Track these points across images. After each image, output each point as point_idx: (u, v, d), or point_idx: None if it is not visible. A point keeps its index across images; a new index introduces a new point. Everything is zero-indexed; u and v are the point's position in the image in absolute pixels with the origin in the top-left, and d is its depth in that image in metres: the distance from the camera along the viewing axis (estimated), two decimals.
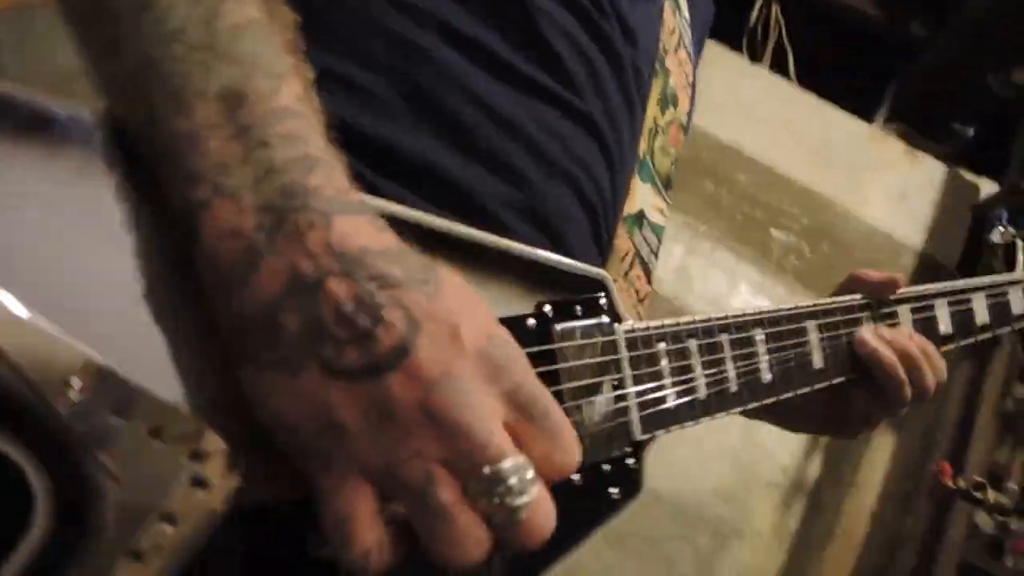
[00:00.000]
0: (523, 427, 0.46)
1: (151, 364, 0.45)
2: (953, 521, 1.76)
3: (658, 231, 0.84)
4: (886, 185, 2.49)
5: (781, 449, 2.13)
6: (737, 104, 2.43)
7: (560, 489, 0.48)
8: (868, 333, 0.78)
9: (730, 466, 2.10)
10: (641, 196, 0.80)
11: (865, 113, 2.73)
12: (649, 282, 0.83)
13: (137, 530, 0.42)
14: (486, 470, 0.43)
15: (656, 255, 0.84)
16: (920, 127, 2.89)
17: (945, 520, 1.77)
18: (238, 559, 0.48)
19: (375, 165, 0.61)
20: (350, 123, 0.60)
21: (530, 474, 0.45)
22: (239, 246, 0.43)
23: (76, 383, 0.41)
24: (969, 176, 2.64)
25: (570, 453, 0.47)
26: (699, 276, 2.25)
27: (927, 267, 2.41)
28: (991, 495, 1.67)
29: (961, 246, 2.46)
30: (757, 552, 2.04)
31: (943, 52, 2.87)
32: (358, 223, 0.45)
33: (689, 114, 0.92)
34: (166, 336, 0.46)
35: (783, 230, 2.33)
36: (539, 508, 0.45)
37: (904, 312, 0.82)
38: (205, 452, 0.44)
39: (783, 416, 0.87)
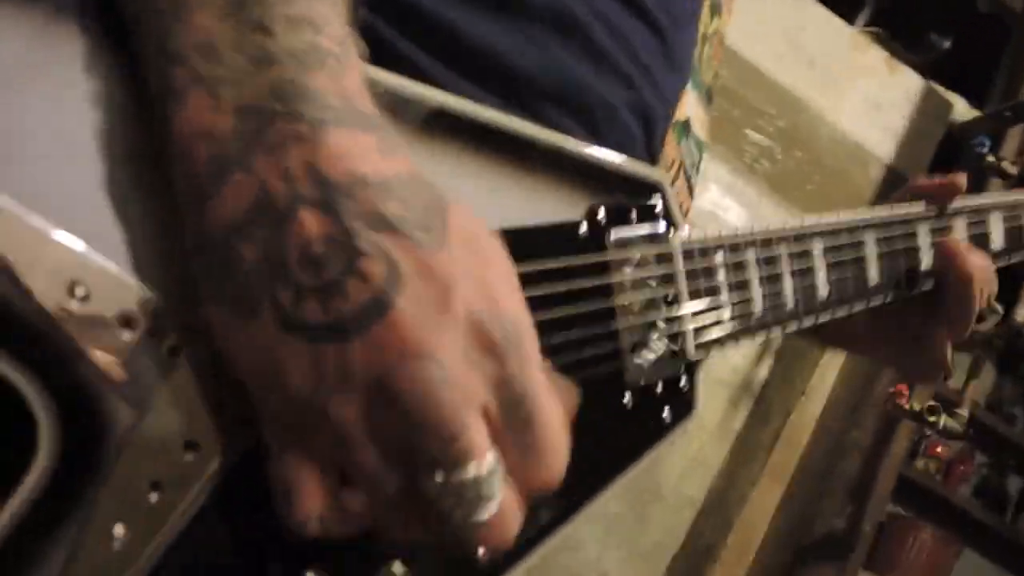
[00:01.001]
0: (503, 427, 0.38)
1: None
2: (899, 437, 1.80)
3: (701, 146, 0.78)
4: (863, 93, 2.44)
5: (733, 349, 2.14)
6: None
7: (610, 412, 0.46)
8: (956, 241, 0.74)
9: None
10: (690, 104, 0.74)
11: (849, 14, 2.65)
12: (691, 196, 0.77)
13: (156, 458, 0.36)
14: (439, 476, 0.36)
15: (698, 170, 0.78)
16: (897, 33, 2.83)
17: (891, 436, 1.81)
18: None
19: (405, 30, 0.52)
20: None
21: (496, 483, 0.37)
22: (210, 151, 0.35)
23: (80, 290, 0.33)
24: (942, 91, 2.59)
25: (550, 472, 0.39)
26: None
27: (893, 182, 2.38)
28: (943, 419, 1.70)
29: (928, 162, 2.45)
30: (704, 445, 2.07)
31: None
32: (359, 142, 0.36)
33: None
34: (155, 237, 0.38)
35: (759, 131, 2.27)
36: (498, 523, 0.38)
37: (960, 225, 0.78)
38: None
39: (827, 337, 0.82)
